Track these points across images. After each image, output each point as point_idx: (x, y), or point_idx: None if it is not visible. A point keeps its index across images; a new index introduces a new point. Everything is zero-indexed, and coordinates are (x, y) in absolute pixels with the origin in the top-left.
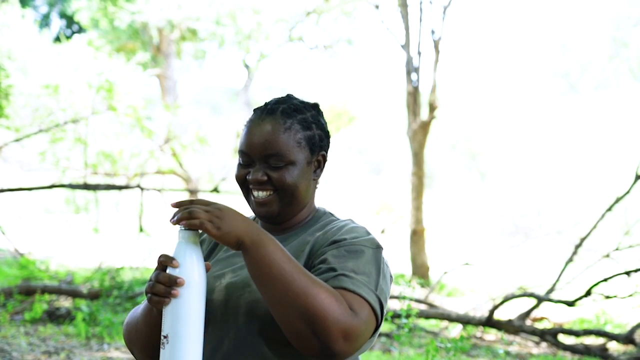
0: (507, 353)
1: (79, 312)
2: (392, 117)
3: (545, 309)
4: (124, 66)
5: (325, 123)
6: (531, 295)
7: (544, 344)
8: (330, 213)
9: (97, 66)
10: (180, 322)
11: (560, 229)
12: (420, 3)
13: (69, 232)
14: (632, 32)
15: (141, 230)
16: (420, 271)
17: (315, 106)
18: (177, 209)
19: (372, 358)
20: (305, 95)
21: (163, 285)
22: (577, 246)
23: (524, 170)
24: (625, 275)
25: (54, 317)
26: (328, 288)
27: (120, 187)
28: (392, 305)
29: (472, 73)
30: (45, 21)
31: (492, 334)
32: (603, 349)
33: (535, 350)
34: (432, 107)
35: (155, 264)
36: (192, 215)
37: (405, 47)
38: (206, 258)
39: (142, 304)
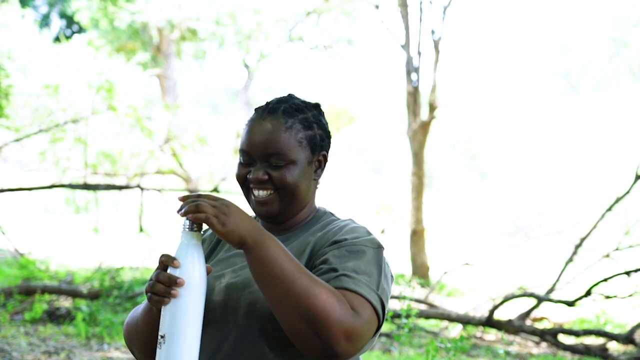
0: (507, 353)
1: (79, 312)
2: (392, 117)
3: (545, 309)
4: (124, 66)
5: (327, 123)
6: (531, 295)
7: (544, 344)
8: (331, 213)
9: (97, 66)
10: (178, 323)
11: (560, 229)
12: (420, 3)
13: (69, 232)
14: (632, 32)
15: (141, 230)
16: (420, 271)
17: (317, 106)
18: (184, 202)
19: (372, 358)
20: (305, 95)
21: (163, 284)
22: (577, 246)
23: (524, 170)
24: (625, 275)
25: (54, 317)
26: (330, 288)
27: (120, 187)
28: (392, 305)
29: (472, 73)
30: (45, 21)
31: (492, 334)
32: (603, 349)
33: (535, 350)
34: (432, 107)
35: (155, 264)
36: (198, 208)
37: (405, 47)
38: (206, 258)
39: (143, 303)
